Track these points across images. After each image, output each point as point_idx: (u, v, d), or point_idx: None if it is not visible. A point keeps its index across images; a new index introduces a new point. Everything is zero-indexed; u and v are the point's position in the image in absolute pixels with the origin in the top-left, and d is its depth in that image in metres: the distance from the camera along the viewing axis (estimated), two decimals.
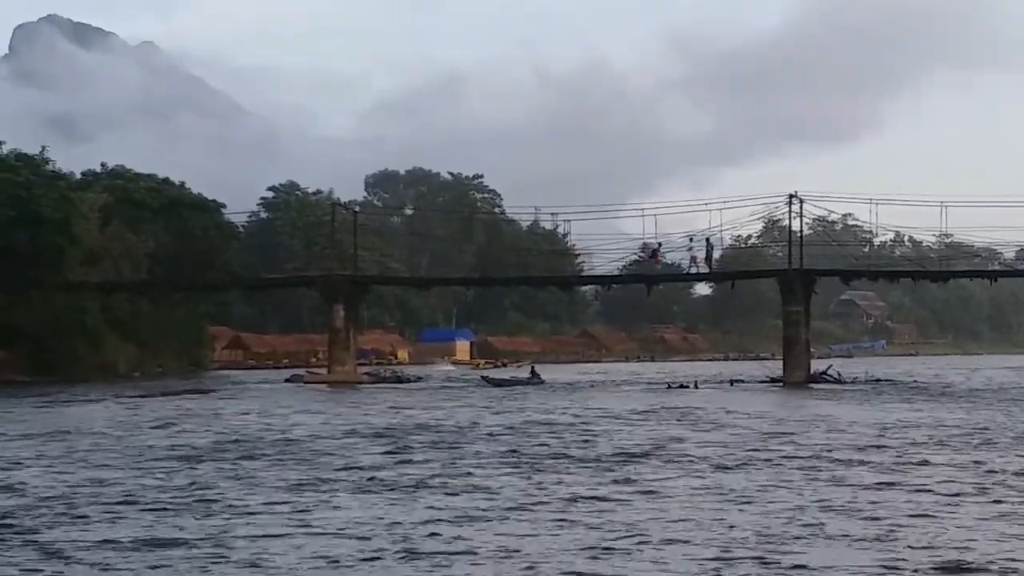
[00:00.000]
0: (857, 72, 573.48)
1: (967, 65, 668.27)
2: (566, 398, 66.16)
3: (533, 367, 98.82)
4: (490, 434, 40.67)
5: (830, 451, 33.91)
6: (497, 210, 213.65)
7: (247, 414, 53.08)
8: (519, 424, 45.32)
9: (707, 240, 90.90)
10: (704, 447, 35.31)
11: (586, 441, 37.65)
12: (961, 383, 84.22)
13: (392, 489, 26.15)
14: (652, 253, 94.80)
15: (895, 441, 37.35)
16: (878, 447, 35.28)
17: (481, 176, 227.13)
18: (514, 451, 34.50)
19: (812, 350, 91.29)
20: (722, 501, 24.16)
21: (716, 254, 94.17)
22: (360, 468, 30.43)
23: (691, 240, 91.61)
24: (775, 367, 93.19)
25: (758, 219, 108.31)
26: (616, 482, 27.38)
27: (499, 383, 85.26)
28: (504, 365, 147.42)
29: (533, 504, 23.80)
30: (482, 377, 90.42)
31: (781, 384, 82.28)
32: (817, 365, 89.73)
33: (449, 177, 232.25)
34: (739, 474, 28.71)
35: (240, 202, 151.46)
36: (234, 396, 71.83)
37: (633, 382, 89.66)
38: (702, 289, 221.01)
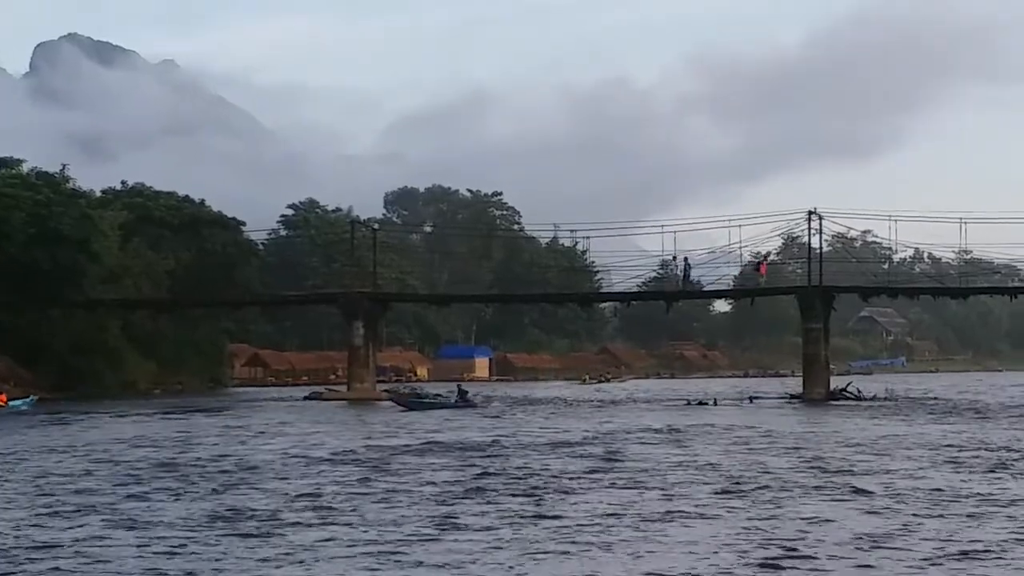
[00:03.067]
0: (877, 89, 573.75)
1: (988, 81, 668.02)
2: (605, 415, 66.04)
3: (460, 386, 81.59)
4: (525, 447, 40.62)
5: (853, 468, 33.83)
6: (516, 227, 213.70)
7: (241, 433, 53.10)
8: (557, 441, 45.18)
9: (685, 259, 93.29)
10: (721, 463, 35.25)
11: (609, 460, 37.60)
12: (986, 400, 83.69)
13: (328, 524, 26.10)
14: (757, 266, 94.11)
15: (915, 457, 37.27)
16: (897, 464, 35.19)
17: (500, 193, 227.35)
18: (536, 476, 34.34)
19: (831, 367, 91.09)
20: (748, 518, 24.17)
21: (734, 271, 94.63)
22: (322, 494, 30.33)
23: (673, 259, 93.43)
24: (795, 384, 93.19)
25: (778, 235, 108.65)
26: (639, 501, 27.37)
27: (412, 404, 73.73)
28: (607, 380, 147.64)
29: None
30: (386, 391, 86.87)
31: (800, 401, 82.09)
32: (837, 382, 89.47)
33: (468, 194, 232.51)
34: (755, 493, 28.68)
35: (261, 220, 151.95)
36: (241, 414, 71.75)
37: (652, 399, 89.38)
38: (721, 306, 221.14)
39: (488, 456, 38.36)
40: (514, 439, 45.95)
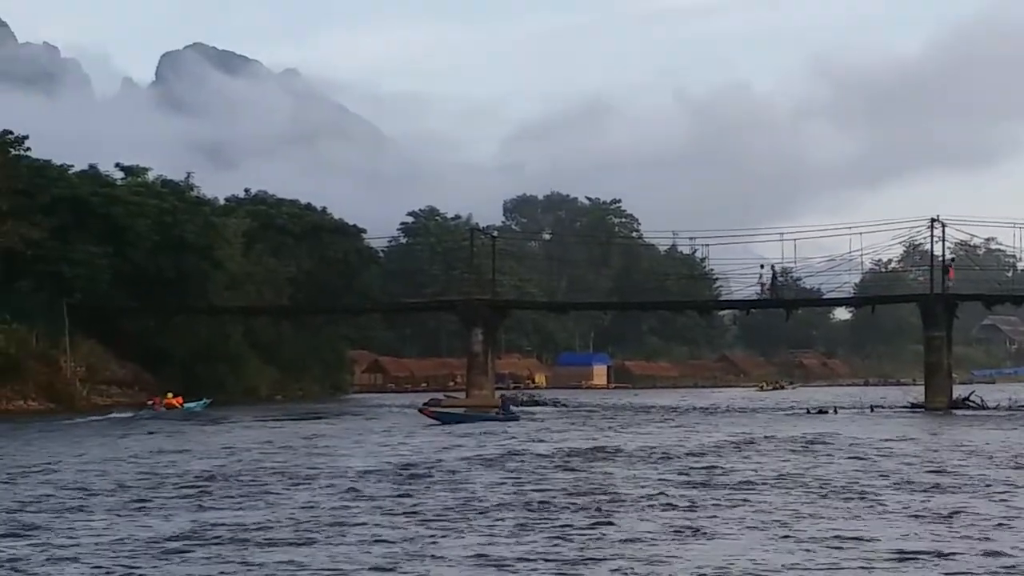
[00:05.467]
0: (999, 95, 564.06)
1: None
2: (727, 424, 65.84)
3: (503, 397, 78.65)
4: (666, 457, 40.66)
5: (986, 480, 33.44)
6: (635, 234, 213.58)
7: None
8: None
9: (772, 268, 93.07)
10: (851, 474, 35.03)
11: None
12: None
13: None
14: (946, 269, 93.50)
15: None
16: None
17: (619, 201, 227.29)
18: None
19: (954, 376, 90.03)
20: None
21: (855, 279, 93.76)
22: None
23: (761, 267, 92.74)
24: (916, 393, 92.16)
25: (899, 243, 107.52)
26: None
27: (444, 417, 66.37)
28: (782, 387, 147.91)
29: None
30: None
31: (922, 410, 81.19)
32: (959, 391, 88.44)
33: (587, 202, 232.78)
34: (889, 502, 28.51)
35: (381, 227, 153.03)
36: (354, 421, 72.32)
37: (773, 408, 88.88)
38: (842, 314, 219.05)
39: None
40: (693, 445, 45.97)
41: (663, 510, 26.74)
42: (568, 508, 26.96)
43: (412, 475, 34.92)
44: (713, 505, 27.57)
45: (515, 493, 30.08)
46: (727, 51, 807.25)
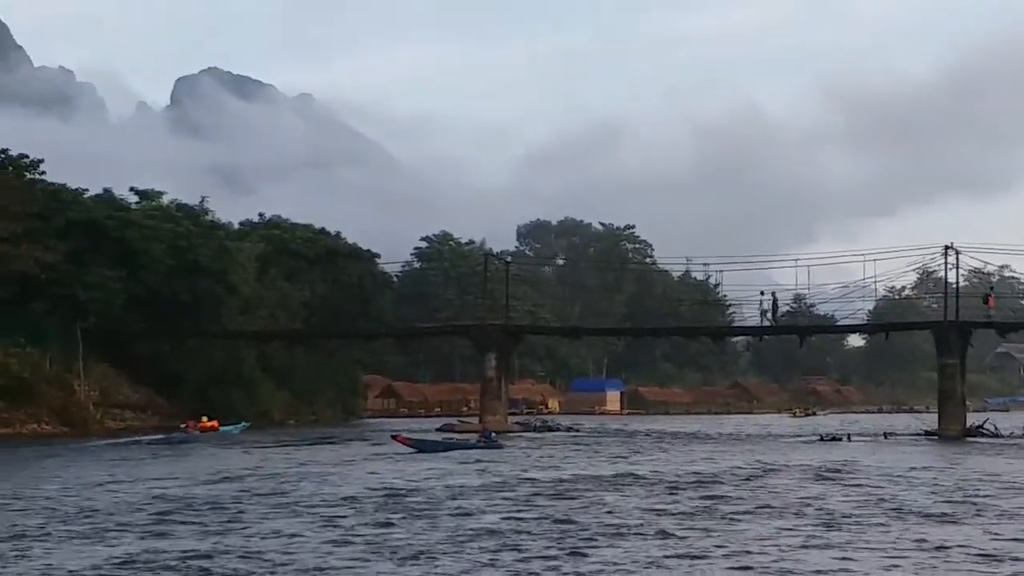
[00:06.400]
0: (1016, 120, 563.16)
1: None
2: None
3: (485, 428, 76.07)
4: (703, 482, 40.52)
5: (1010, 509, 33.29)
6: (648, 260, 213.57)
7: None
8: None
9: (773, 295, 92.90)
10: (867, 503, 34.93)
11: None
12: None
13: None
14: (986, 298, 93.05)
15: None
16: None
17: (632, 226, 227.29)
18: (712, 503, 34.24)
19: (968, 403, 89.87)
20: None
21: (870, 305, 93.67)
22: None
23: (761, 293, 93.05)
24: (930, 420, 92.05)
25: (912, 270, 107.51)
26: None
27: (421, 446, 63.56)
28: (814, 414, 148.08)
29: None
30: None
31: (936, 438, 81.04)
32: (973, 419, 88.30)
33: (600, 227, 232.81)
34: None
35: (395, 252, 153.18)
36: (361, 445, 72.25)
37: (792, 434, 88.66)
38: (855, 341, 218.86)
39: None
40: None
41: (657, 537, 26.71)
42: (544, 538, 26.65)
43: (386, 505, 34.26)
44: (708, 534, 27.49)
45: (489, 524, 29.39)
46: (739, 75, 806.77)
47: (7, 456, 58.49)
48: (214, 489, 39.02)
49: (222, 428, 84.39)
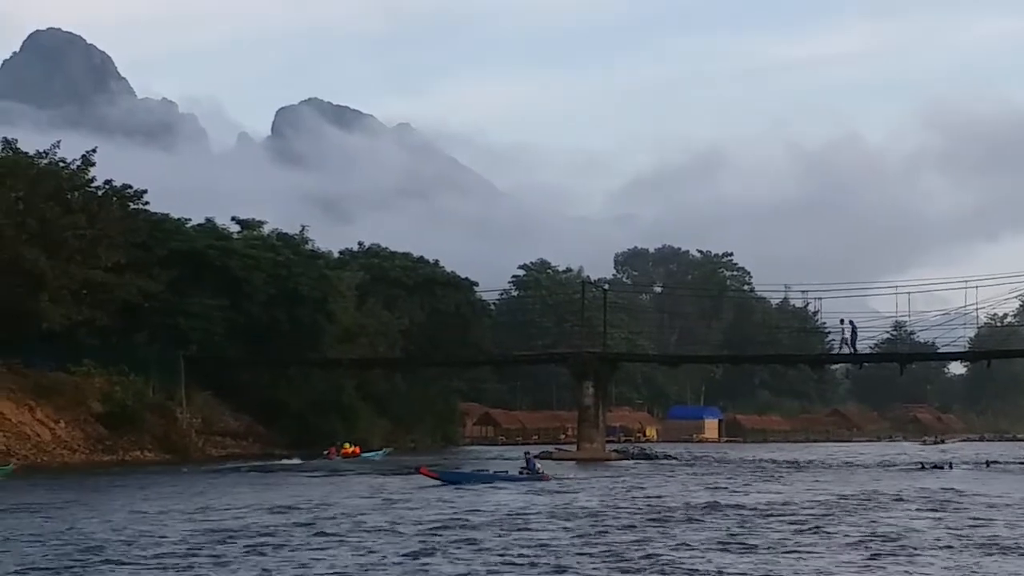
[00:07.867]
0: None
1: None
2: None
3: (527, 453, 63.57)
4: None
5: None
6: (746, 287, 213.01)
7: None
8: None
9: (851, 323, 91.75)
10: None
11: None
12: None
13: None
14: None
15: None
16: None
17: (731, 254, 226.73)
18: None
19: None
20: None
21: (971, 332, 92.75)
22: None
23: (841, 322, 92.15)
24: None
25: (1016, 297, 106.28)
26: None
27: (448, 477, 57.21)
28: (943, 441, 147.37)
29: None
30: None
31: None
32: None
33: (698, 255, 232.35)
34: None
35: (493, 280, 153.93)
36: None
37: (888, 463, 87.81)
38: (956, 368, 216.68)
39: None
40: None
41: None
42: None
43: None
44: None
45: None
46: (838, 102, 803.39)
47: (142, 481, 59.12)
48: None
49: (364, 454, 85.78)
